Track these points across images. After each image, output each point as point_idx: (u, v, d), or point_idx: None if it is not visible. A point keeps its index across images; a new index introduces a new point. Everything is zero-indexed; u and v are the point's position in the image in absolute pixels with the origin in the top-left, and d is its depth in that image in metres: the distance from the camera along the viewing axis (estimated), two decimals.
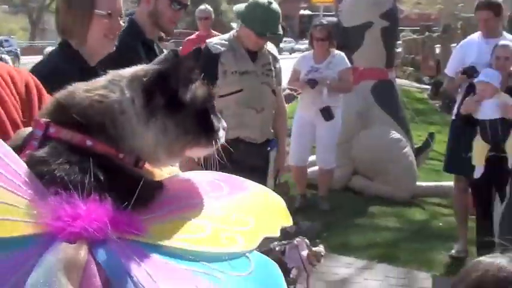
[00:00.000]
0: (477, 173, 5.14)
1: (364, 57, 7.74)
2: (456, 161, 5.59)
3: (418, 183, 7.55)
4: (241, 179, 1.25)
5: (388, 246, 5.98)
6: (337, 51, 6.72)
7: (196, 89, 1.16)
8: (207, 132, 1.17)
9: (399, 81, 14.89)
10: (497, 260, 1.39)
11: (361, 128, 7.54)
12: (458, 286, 1.43)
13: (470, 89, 5.27)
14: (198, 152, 1.19)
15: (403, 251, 5.83)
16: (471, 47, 5.75)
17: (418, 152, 8.03)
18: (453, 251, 5.68)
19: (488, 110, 5.05)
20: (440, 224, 6.73)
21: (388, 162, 7.25)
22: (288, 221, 1.21)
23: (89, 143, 1.08)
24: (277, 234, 1.16)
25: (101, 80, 1.14)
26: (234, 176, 1.26)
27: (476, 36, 5.85)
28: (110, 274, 0.96)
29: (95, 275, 0.95)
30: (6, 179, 1.02)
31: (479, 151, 5.12)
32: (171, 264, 1.01)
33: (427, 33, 22.18)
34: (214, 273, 1.02)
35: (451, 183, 6.20)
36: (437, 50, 19.01)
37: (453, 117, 5.80)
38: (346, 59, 6.74)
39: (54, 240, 0.97)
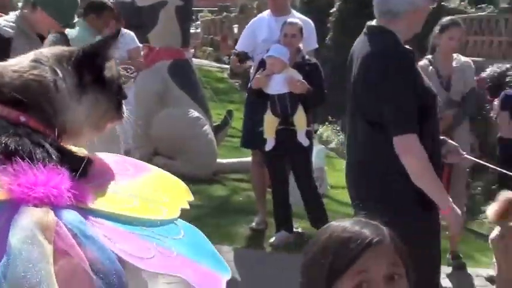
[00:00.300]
0: (268, 146, 5.32)
1: (160, 36, 7.67)
2: (251, 136, 5.72)
3: (218, 160, 7.69)
4: (138, 161, 1.37)
5: (190, 222, 6.00)
6: (125, 30, 6.56)
7: (112, 67, 1.26)
8: (121, 106, 1.29)
9: (199, 61, 15.11)
10: (342, 223, 1.54)
11: (159, 108, 7.49)
12: (311, 249, 1.55)
13: (262, 65, 5.42)
14: (110, 126, 1.30)
15: (205, 227, 5.74)
16: (261, 25, 5.91)
17: (217, 130, 8.13)
18: (253, 224, 5.86)
19: (277, 85, 5.22)
20: (241, 198, 6.92)
21: (188, 140, 7.27)
22: (190, 197, 1.33)
23: (22, 119, 1.14)
24: (188, 207, 1.28)
25: (24, 60, 1.20)
26: (129, 158, 1.38)
27: (266, 14, 6.03)
28: (79, 234, 1.03)
29: (67, 234, 1.02)
30: None
31: (269, 124, 5.30)
32: (119, 229, 1.11)
33: (224, 14, 22.61)
34: (156, 236, 1.13)
35: (250, 159, 6.36)
36: (236, 30, 19.45)
37: (247, 94, 5.95)
38: (135, 38, 6.66)
39: (19, 205, 1.04)
